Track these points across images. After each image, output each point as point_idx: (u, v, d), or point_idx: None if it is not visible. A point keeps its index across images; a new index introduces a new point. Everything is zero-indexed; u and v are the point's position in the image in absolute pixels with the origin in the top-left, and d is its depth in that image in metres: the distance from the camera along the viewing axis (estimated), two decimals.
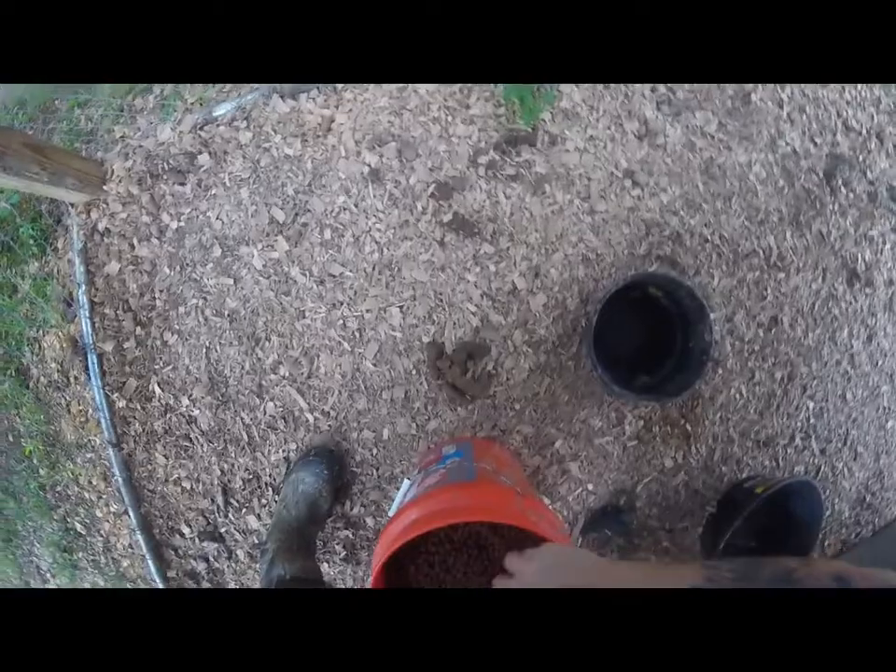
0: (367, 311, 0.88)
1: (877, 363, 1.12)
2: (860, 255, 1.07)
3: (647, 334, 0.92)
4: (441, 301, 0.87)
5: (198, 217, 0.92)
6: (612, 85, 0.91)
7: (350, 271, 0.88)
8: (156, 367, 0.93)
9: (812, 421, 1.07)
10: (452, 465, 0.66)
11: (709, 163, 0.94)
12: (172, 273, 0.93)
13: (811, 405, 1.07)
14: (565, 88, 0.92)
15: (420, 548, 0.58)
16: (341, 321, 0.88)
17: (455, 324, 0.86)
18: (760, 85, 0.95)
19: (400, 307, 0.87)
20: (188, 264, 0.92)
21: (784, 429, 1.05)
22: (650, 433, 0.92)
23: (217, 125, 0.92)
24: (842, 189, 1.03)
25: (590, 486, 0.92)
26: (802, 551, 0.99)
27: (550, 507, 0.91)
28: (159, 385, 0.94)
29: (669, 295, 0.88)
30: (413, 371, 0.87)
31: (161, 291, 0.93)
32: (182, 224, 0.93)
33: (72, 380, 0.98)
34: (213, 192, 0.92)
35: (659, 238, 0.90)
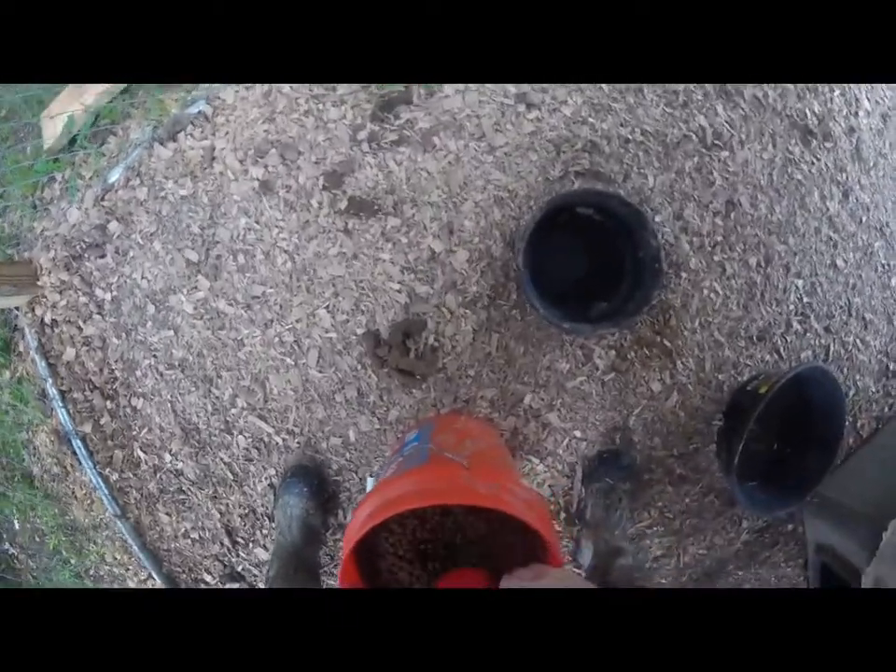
0: (297, 321, 0.78)
1: (861, 219, 0.92)
2: (807, 110, 0.86)
3: (590, 258, 0.77)
4: (364, 288, 0.75)
5: (126, 282, 0.87)
6: None
7: (270, 287, 0.79)
8: (133, 433, 0.89)
9: (806, 300, 0.88)
10: (409, 451, 0.57)
11: None
12: (120, 342, 0.88)
13: (800, 283, 0.88)
14: None
15: (384, 542, 0.50)
16: (277, 338, 0.80)
17: (383, 307, 0.75)
18: None
19: (326, 307, 0.76)
20: (130, 329, 0.87)
21: (777, 317, 0.87)
22: (625, 361, 0.77)
23: (116, 191, 0.87)
24: None
25: (577, 433, 0.78)
26: (830, 441, 0.82)
27: (539, 466, 0.79)
28: (141, 449, 0.89)
29: (601, 210, 0.72)
30: (359, 367, 0.76)
31: (116, 361, 0.89)
32: (115, 293, 0.88)
33: (69, 468, 0.96)
34: (131, 254, 0.87)
35: (572, 154, 0.75)
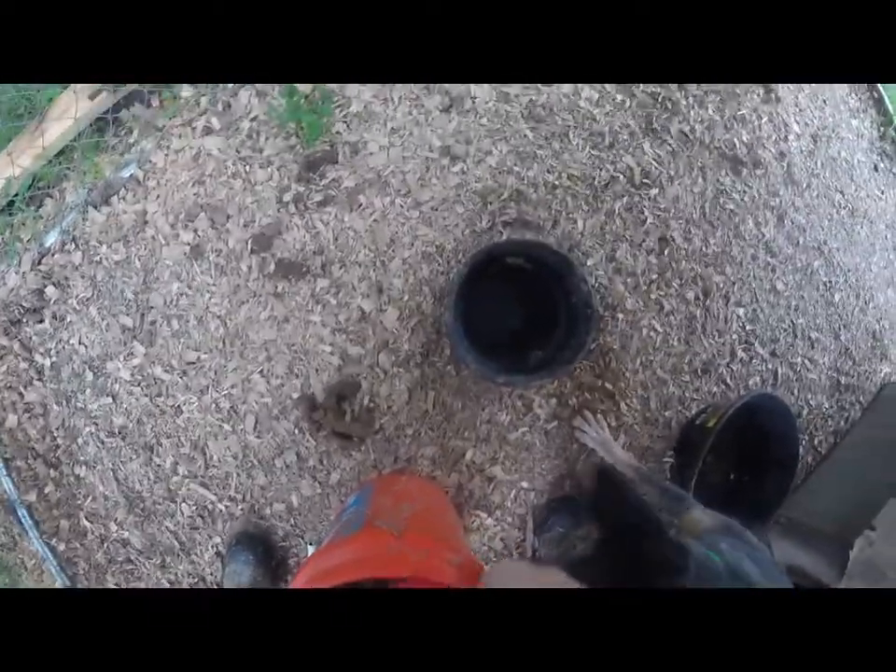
0: (232, 387, 0.74)
1: (798, 241, 0.91)
2: (735, 140, 0.86)
3: (524, 307, 0.74)
4: (296, 351, 0.72)
5: (64, 347, 0.83)
6: None
7: (204, 353, 0.76)
8: (78, 502, 0.84)
9: (749, 327, 0.86)
10: (348, 517, 0.55)
11: (531, 107, 0.76)
12: (61, 409, 0.83)
13: (741, 311, 0.86)
14: (351, 91, 0.77)
15: None
16: (213, 405, 0.76)
17: (317, 370, 0.71)
18: None
19: (260, 372, 0.73)
20: (70, 395, 0.83)
21: (720, 348, 0.85)
22: (567, 408, 0.73)
23: (52, 255, 0.83)
24: None
25: (524, 484, 0.74)
26: (786, 465, 0.80)
27: (488, 520, 0.75)
28: (87, 518, 0.84)
29: (530, 258, 0.71)
30: (296, 431, 0.72)
31: (58, 429, 0.84)
32: (54, 359, 0.83)
33: (17, 538, 0.89)
34: (68, 320, 0.83)
35: (499, 204, 0.73)
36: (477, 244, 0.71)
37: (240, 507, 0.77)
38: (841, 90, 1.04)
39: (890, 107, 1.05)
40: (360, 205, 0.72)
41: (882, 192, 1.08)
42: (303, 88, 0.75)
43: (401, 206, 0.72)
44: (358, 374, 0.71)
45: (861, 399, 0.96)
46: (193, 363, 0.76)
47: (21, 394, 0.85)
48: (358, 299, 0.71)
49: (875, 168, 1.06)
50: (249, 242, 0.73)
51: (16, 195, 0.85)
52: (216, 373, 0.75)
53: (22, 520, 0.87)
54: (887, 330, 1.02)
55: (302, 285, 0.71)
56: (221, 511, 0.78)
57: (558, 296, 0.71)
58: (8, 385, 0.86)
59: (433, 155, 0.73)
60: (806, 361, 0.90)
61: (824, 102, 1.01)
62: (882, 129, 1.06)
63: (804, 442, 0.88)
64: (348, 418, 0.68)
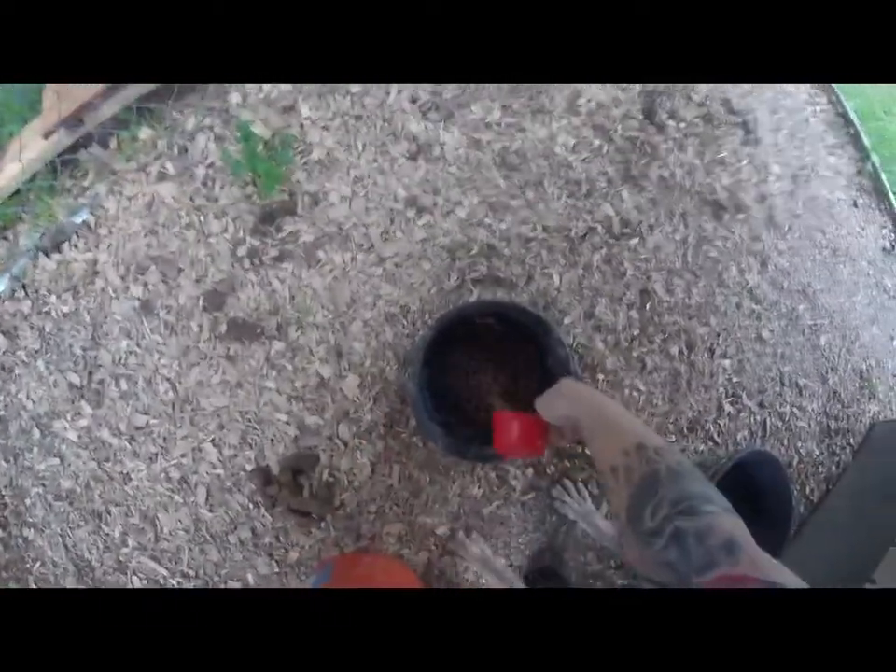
0: (182, 456, 0.64)
1: (782, 286, 0.82)
2: (716, 184, 0.78)
3: (497, 372, 0.65)
4: (250, 420, 0.62)
5: (12, 401, 0.72)
6: (365, 114, 0.69)
7: (154, 417, 0.66)
8: (27, 566, 0.73)
9: (735, 379, 0.78)
10: None
11: (504, 154, 0.67)
12: (8, 466, 0.72)
13: (727, 363, 0.77)
14: (313, 137, 0.68)
15: None
16: (163, 473, 0.66)
17: (272, 441, 0.61)
18: None
19: (212, 441, 0.63)
20: (18, 452, 0.72)
21: (707, 404, 0.76)
22: (545, 477, 0.64)
23: (2, 301, 0.74)
24: (670, 122, 0.75)
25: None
26: (780, 518, 0.72)
27: None
28: (35, 583, 0.74)
29: (501, 319, 0.62)
30: (251, 506, 0.62)
31: (6, 487, 0.73)
32: (2, 413, 0.73)
33: None
34: (16, 372, 0.73)
35: (469, 260, 0.64)
36: (444, 303, 0.62)
37: (192, 583, 0.67)
38: (818, 127, 0.98)
39: (866, 142, 0.98)
40: (319, 261, 0.63)
41: (862, 228, 1.01)
42: (261, 131, 0.66)
43: (363, 262, 0.63)
44: (316, 446, 0.61)
45: (852, 441, 0.87)
46: (142, 428, 0.66)
47: None
48: (316, 364, 0.61)
49: (855, 204, 1.00)
50: (201, 299, 0.63)
51: None
52: (165, 440, 0.65)
53: None
54: (874, 368, 0.94)
55: (256, 347, 0.62)
56: (173, 586, 0.68)
57: (533, 358, 0.63)
58: None
59: (398, 206, 0.64)
60: (795, 409, 0.81)
61: (802, 141, 0.94)
62: (859, 164, 0.99)
63: (795, 492, 0.80)
64: (306, 493, 0.58)
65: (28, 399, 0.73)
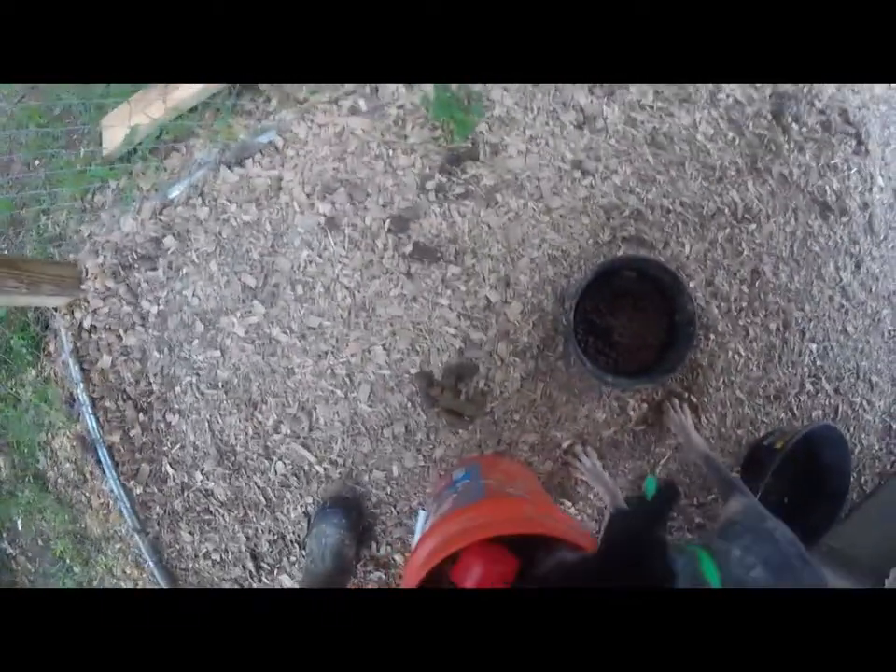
0: (352, 355, 0.84)
1: (871, 289, 1.04)
2: (827, 187, 1.00)
3: (631, 318, 0.86)
4: (421, 330, 0.82)
5: (175, 297, 0.90)
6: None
7: (328, 320, 0.85)
8: (164, 448, 0.91)
9: (819, 363, 1.00)
10: (462, 488, 0.61)
11: (654, 134, 0.88)
12: (161, 356, 0.91)
13: (814, 347, 1.00)
14: (495, 95, 0.88)
15: (446, 575, 0.52)
16: (329, 370, 0.85)
17: (438, 350, 0.81)
18: None
19: (383, 345, 0.82)
20: (175, 345, 0.90)
21: (792, 378, 0.98)
22: (656, 414, 0.85)
23: (175, 207, 0.91)
24: (794, 125, 0.96)
25: (608, 476, 0.88)
26: (837, 496, 0.93)
27: (571, 510, 0.87)
28: (170, 465, 0.91)
29: (643, 274, 0.82)
30: (409, 405, 0.82)
31: (155, 375, 0.91)
32: (162, 307, 0.91)
33: (88, 476, 0.96)
34: (184, 271, 0.91)
35: (620, 220, 0.85)
36: (597, 253, 0.83)
37: (339, 471, 0.86)
38: None
39: None
40: (497, 203, 0.83)
41: None
42: (454, 86, 0.86)
43: (534, 210, 0.83)
44: (477, 359, 0.81)
45: None
46: (314, 328, 0.85)
47: (119, 336, 0.92)
48: (486, 289, 0.81)
49: None
50: (387, 222, 0.83)
51: (139, 143, 0.93)
52: (337, 341, 0.84)
53: (102, 459, 0.94)
54: None
55: (435, 269, 0.81)
56: (318, 472, 0.87)
57: (664, 311, 0.84)
58: (108, 326, 0.93)
59: (565, 166, 0.84)
60: (865, 402, 1.02)
61: None
62: None
63: (851, 479, 1.02)
64: (462, 398, 0.78)
65: (194, 296, 0.90)
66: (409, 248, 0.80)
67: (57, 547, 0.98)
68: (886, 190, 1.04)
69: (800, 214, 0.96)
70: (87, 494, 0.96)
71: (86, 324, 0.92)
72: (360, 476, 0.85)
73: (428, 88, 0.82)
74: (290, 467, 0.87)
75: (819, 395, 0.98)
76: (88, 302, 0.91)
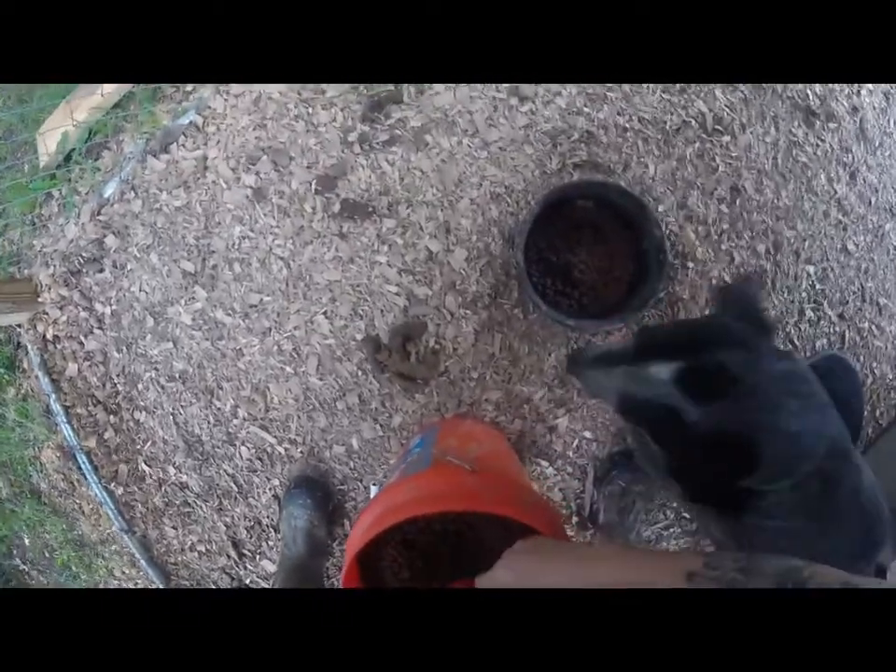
0: (295, 328, 0.76)
1: (870, 201, 0.87)
2: (808, 90, 0.82)
3: (592, 252, 0.73)
4: (361, 292, 0.73)
5: (125, 295, 0.86)
6: None
7: (267, 295, 0.77)
8: (137, 447, 0.88)
9: (818, 286, 0.84)
10: (413, 458, 0.55)
11: None
12: (121, 356, 0.87)
13: (811, 269, 0.84)
14: None
15: (388, 550, 0.48)
16: (276, 347, 0.77)
17: (382, 311, 0.72)
18: None
19: (324, 313, 0.74)
20: (131, 342, 0.86)
21: (789, 305, 0.83)
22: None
23: (112, 205, 0.86)
24: None
25: (587, 434, 0.74)
26: (851, 431, 0.79)
27: (549, 469, 0.76)
28: (145, 462, 0.88)
29: (602, 201, 0.70)
30: (359, 373, 0.74)
31: (118, 376, 0.87)
32: (115, 307, 0.86)
33: (75, 483, 0.94)
34: (129, 268, 0.86)
35: (569, 145, 0.72)
36: (546, 185, 0.71)
37: (299, 449, 0.79)
38: None
39: None
40: (427, 145, 0.72)
41: None
42: None
43: (469, 146, 0.72)
44: (424, 315, 0.72)
45: None
46: (255, 306, 0.78)
47: (81, 343, 0.88)
48: (426, 239, 0.72)
49: None
50: (313, 183, 0.74)
51: (73, 149, 0.88)
52: (278, 315, 0.77)
53: (82, 465, 0.92)
54: None
55: (368, 225, 0.72)
56: (280, 453, 0.80)
57: (629, 241, 0.71)
58: (69, 334, 0.89)
59: (501, 95, 0.72)
60: (874, 328, 0.87)
61: None
62: None
63: (865, 413, 0.87)
64: (413, 360, 0.69)
65: (141, 291, 0.85)
66: (338, 207, 0.71)
67: (60, 557, 0.97)
68: (875, 93, 0.87)
69: (780, 122, 0.80)
70: (78, 501, 0.94)
71: (49, 335, 0.88)
72: (321, 453, 0.77)
73: None
74: (253, 450, 0.80)
75: (822, 322, 0.83)
76: (47, 314, 0.88)
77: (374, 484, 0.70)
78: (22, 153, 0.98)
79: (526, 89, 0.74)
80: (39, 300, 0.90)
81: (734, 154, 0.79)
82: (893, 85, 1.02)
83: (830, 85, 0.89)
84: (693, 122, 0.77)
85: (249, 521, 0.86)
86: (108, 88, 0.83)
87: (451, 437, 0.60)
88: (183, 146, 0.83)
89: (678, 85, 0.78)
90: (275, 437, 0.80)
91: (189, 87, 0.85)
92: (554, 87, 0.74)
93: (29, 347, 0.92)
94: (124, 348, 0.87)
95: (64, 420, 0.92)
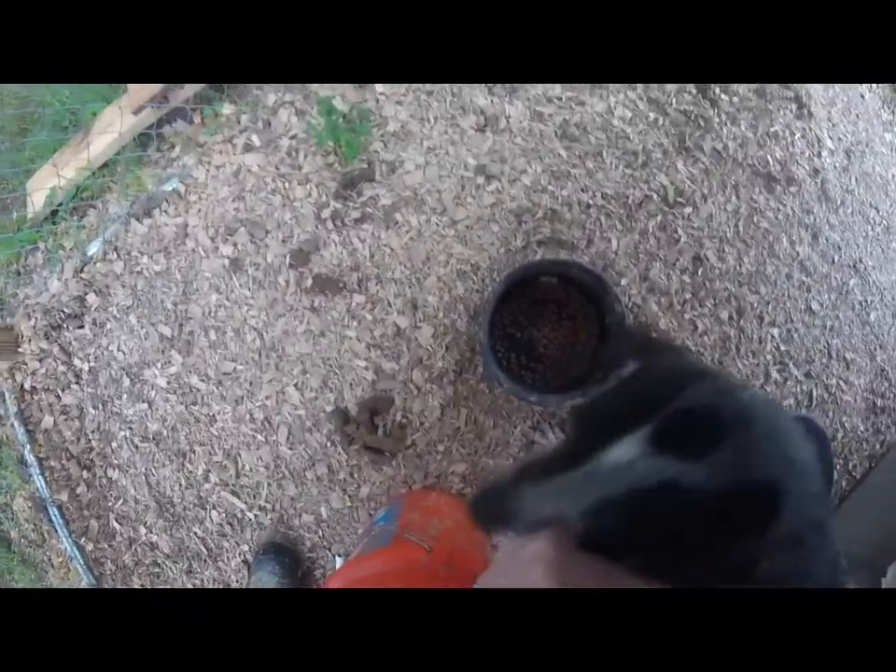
0: (266, 398, 0.76)
1: (833, 259, 0.89)
2: (769, 156, 0.86)
3: (555, 328, 0.74)
4: (331, 366, 0.74)
5: (103, 353, 0.86)
6: (436, 89, 0.79)
7: (240, 364, 0.78)
8: (109, 504, 0.86)
9: (783, 348, 0.85)
10: (376, 531, 0.56)
11: (565, 126, 0.77)
12: (97, 413, 0.86)
13: (775, 332, 0.85)
14: (388, 111, 0.79)
15: None
16: (248, 415, 0.77)
17: (351, 384, 0.73)
18: None
19: (295, 384, 0.74)
20: (107, 400, 0.86)
21: (754, 369, 0.84)
22: None
23: (94, 263, 0.87)
24: (723, 96, 0.83)
25: None
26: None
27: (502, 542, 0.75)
28: (116, 520, 0.86)
29: (564, 278, 0.72)
30: (328, 444, 0.74)
31: (93, 432, 0.87)
32: (93, 364, 0.87)
33: (45, 535, 0.92)
34: (108, 327, 0.86)
35: (533, 223, 0.74)
36: (511, 262, 0.72)
37: (269, 516, 0.78)
38: (874, 103, 1.03)
39: None
40: (397, 223, 0.74)
41: None
42: (341, 106, 0.78)
43: (437, 224, 0.74)
44: (392, 390, 0.72)
45: None
46: (229, 374, 0.78)
47: (58, 396, 0.88)
48: (394, 315, 0.73)
49: None
50: (287, 256, 0.75)
51: (60, 205, 0.89)
52: (251, 384, 0.77)
53: (53, 518, 0.90)
54: None
55: (339, 300, 0.73)
56: (250, 519, 0.79)
57: (592, 316, 0.72)
58: (46, 387, 0.89)
59: (468, 174, 0.75)
60: (841, 383, 0.88)
61: (857, 116, 1.00)
62: None
63: (838, 466, 0.86)
64: (380, 433, 0.69)
65: (119, 350, 0.86)
66: (310, 282, 0.72)
67: None
68: (837, 153, 0.89)
69: (741, 189, 0.82)
70: (47, 553, 0.92)
71: (27, 385, 0.88)
72: (291, 520, 0.76)
73: (315, 114, 0.74)
74: (224, 515, 0.79)
75: (789, 382, 0.84)
76: (27, 364, 0.88)
77: (338, 555, 0.69)
78: (12, 202, 1.00)
79: (493, 167, 0.76)
80: (19, 349, 0.90)
81: (695, 224, 0.81)
82: (856, 143, 1.06)
83: (790, 149, 0.91)
84: (655, 196, 0.79)
85: (218, 584, 0.84)
86: (96, 149, 0.85)
87: (414, 511, 0.59)
88: (165, 212, 0.85)
89: (639, 159, 0.81)
90: (246, 503, 0.79)
91: (174, 154, 0.88)
92: (520, 165, 0.76)
93: (7, 395, 0.91)
94: (100, 405, 0.87)
95: (38, 471, 0.91)
